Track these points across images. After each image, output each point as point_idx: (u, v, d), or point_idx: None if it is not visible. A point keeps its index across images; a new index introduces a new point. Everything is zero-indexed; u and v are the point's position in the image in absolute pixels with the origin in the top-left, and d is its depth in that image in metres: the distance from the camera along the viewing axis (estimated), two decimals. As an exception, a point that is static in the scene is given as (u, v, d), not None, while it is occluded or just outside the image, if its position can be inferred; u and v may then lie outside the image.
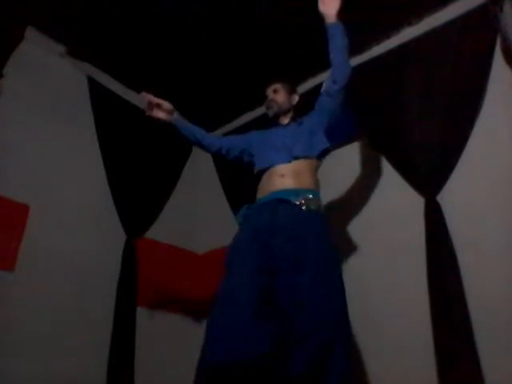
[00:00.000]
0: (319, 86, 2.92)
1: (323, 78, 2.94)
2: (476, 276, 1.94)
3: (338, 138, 2.70)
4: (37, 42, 2.60)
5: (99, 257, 2.57)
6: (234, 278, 1.65)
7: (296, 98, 2.12)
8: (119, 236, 2.72)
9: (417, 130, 2.32)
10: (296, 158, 1.84)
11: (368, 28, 2.58)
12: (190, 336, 2.91)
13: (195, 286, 2.97)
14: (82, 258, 2.47)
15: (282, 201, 1.75)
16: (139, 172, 2.93)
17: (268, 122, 2.13)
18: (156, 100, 2.11)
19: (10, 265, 2.16)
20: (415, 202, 2.21)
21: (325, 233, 1.73)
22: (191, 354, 2.91)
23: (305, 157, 1.86)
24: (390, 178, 2.39)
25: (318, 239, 1.68)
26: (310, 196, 1.75)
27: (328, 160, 2.71)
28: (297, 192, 1.75)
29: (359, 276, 2.33)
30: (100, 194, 2.71)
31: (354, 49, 2.75)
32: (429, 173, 2.22)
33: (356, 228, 2.43)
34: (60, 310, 2.30)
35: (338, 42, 1.98)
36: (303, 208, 1.72)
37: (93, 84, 2.87)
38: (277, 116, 2.06)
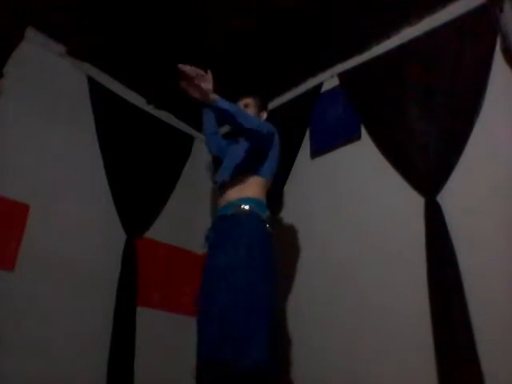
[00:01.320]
0: (313, 89, 2.95)
1: (319, 80, 2.96)
2: (476, 276, 1.94)
3: (338, 137, 2.71)
4: (37, 42, 2.60)
5: (99, 257, 2.57)
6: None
7: (264, 116, 2.24)
8: (119, 236, 2.72)
9: (417, 130, 2.31)
10: (235, 175, 2.02)
11: (368, 28, 2.58)
12: (190, 336, 2.91)
13: (195, 285, 2.98)
14: (81, 257, 2.48)
15: (221, 217, 1.97)
16: (139, 172, 2.94)
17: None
18: (195, 72, 1.75)
19: (10, 265, 2.17)
20: (415, 202, 2.21)
21: (244, 233, 1.85)
22: (191, 354, 2.92)
23: (241, 173, 2.02)
24: (390, 178, 2.38)
25: (238, 240, 1.83)
26: (242, 205, 1.91)
27: (328, 160, 2.73)
28: (233, 204, 1.93)
29: (359, 276, 2.33)
30: (100, 193, 2.71)
31: (355, 49, 2.77)
32: (429, 173, 2.22)
33: (356, 228, 2.43)
34: (60, 310, 2.30)
35: (232, 120, 1.82)
36: (236, 215, 1.90)
37: (93, 84, 2.87)
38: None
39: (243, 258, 1.78)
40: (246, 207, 1.90)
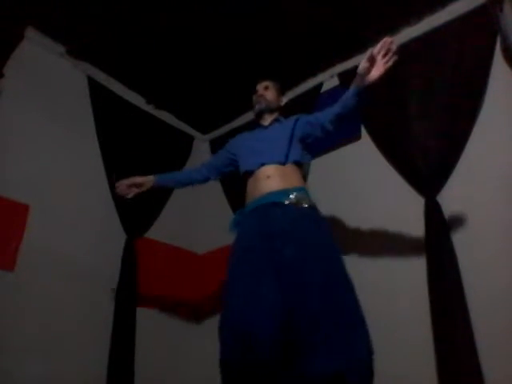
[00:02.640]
0: (313, 89, 2.94)
1: (319, 80, 2.96)
2: (476, 276, 1.94)
3: (338, 137, 2.71)
4: (37, 42, 2.60)
5: (99, 257, 2.57)
6: (239, 295, 1.61)
7: (284, 100, 2.13)
8: (119, 236, 2.72)
9: (417, 130, 2.32)
10: (271, 163, 1.84)
11: (368, 28, 2.58)
12: (190, 336, 2.91)
13: (195, 285, 2.98)
14: (82, 258, 2.47)
15: (273, 204, 1.74)
16: (139, 172, 2.91)
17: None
18: (128, 182, 2.05)
19: (10, 265, 2.16)
20: (415, 202, 2.21)
21: (322, 227, 1.73)
22: (191, 354, 2.92)
23: (281, 162, 1.84)
24: (390, 178, 2.39)
25: (317, 236, 1.67)
26: (299, 194, 1.74)
27: (328, 160, 2.72)
28: (285, 192, 1.75)
29: (359, 276, 2.33)
30: (100, 193, 2.71)
31: (355, 49, 2.76)
32: (429, 173, 2.22)
33: (356, 228, 2.43)
34: (60, 310, 2.30)
35: (359, 104, 1.76)
36: (296, 206, 1.71)
37: (93, 84, 2.87)
38: (261, 113, 2.06)
39: (335, 251, 1.66)
40: (306, 197, 1.76)
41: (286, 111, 2.84)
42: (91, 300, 2.45)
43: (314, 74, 2.99)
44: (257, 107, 2.07)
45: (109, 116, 2.89)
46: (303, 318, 1.49)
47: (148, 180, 2.07)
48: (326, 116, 1.84)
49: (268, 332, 1.47)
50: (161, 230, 2.97)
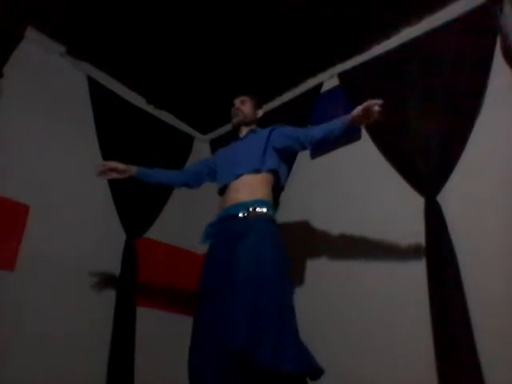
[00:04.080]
0: (313, 89, 2.95)
1: (319, 80, 2.96)
2: (476, 276, 1.94)
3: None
4: (37, 42, 2.60)
5: (99, 257, 2.57)
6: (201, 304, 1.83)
7: (260, 114, 2.24)
8: (119, 236, 2.72)
9: (417, 130, 2.31)
10: (243, 174, 1.94)
11: (368, 28, 2.59)
12: (190, 336, 2.91)
13: (195, 286, 2.98)
14: (82, 257, 2.48)
15: (230, 216, 1.87)
16: (139, 172, 2.93)
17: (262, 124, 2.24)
18: (109, 165, 2.10)
19: (10, 265, 2.17)
20: (415, 202, 2.21)
21: (267, 238, 1.79)
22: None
23: (255, 171, 1.94)
24: (390, 178, 2.38)
25: (256, 244, 1.74)
26: (257, 207, 1.85)
27: (328, 160, 2.72)
28: (246, 205, 1.85)
29: (359, 276, 2.33)
30: (100, 193, 2.71)
31: (355, 49, 2.77)
32: (429, 173, 2.22)
33: (356, 228, 2.43)
34: (60, 310, 2.30)
35: (343, 136, 1.88)
36: (249, 218, 1.83)
37: (93, 84, 2.87)
38: (239, 125, 2.19)
39: (269, 258, 1.72)
40: (263, 210, 1.85)
41: (284, 113, 2.86)
42: (91, 300, 2.45)
43: (313, 74, 2.98)
44: (234, 120, 2.20)
45: (109, 116, 2.89)
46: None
47: (130, 169, 2.13)
48: (307, 135, 1.94)
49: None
50: (161, 230, 2.97)
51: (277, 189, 2.06)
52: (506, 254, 1.91)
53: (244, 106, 2.19)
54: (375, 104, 1.73)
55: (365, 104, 1.72)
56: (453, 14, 2.37)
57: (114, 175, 2.10)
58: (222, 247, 1.83)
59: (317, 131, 1.91)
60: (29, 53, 2.53)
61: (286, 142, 2.01)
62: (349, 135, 1.88)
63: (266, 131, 2.09)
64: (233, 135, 2.31)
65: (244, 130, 2.19)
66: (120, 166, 2.09)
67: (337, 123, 1.83)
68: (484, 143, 2.12)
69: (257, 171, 1.94)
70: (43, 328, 2.21)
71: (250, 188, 1.90)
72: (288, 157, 2.12)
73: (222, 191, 2.04)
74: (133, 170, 2.14)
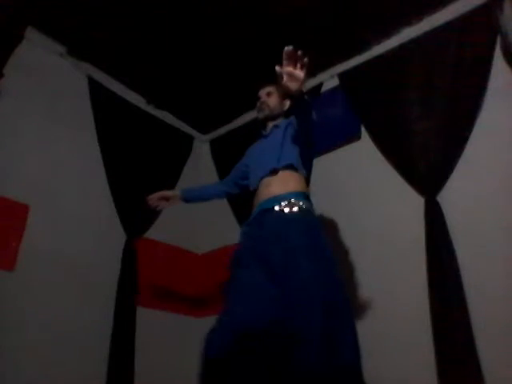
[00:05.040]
0: (313, 89, 2.94)
1: (319, 80, 2.96)
2: (476, 276, 1.94)
3: (338, 137, 2.71)
4: (37, 42, 2.60)
5: (99, 257, 2.57)
6: (237, 302, 1.63)
7: (287, 104, 2.05)
8: (119, 236, 2.72)
9: (417, 130, 2.32)
10: (269, 171, 1.85)
11: (368, 28, 2.59)
12: (190, 336, 2.91)
13: (195, 286, 2.98)
14: (81, 257, 2.47)
15: (266, 210, 1.77)
16: (139, 172, 2.94)
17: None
18: (158, 196, 2.23)
19: (10, 265, 2.16)
20: (415, 202, 2.21)
21: (312, 230, 1.72)
22: (191, 354, 2.91)
23: (274, 170, 1.85)
24: (390, 178, 2.38)
25: (304, 237, 1.65)
26: (293, 200, 1.74)
27: (328, 160, 2.72)
28: (280, 198, 1.76)
29: (359, 276, 2.33)
30: (100, 193, 2.71)
31: (355, 49, 2.77)
32: (429, 173, 2.22)
33: (356, 228, 2.43)
34: (60, 310, 2.30)
35: (309, 117, 1.77)
36: (285, 212, 1.72)
37: (93, 84, 2.87)
38: (265, 120, 2.05)
39: (328, 253, 1.67)
40: (300, 202, 1.75)
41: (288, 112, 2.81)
42: (91, 300, 2.45)
43: (313, 74, 2.98)
44: (260, 115, 2.06)
45: (109, 116, 2.89)
46: (296, 318, 1.48)
47: (175, 194, 2.26)
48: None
49: (264, 326, 1.47)
50: (161, 230, 2.97)
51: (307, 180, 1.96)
52: (506, 254, 1.92)
53: (270, 99, 2.02)
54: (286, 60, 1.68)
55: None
56: (453, 13, 2.38)
57: (165, 203, 2.26)
58: (255, 242, 1.72)
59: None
60: (29, 53, 2.52)
61: (295, 133, 1.91)
62: (304, 107, 1.75)
63: (284, 124, 1.97)
64: (235, 134, 2.24)
65: (269, 125, 2.04)
66: (167, 193, 2.26)
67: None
68: (484, 143, 2.12)
69: (276, 169, 1.85)
70: (43, 328, 2.21)
71: (281, 182, 1.81)
72: (306, 146, 1.93)
73: (254, 194, 1.93)
74: (177, 195, 2.26)
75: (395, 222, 2.29)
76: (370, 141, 2.54)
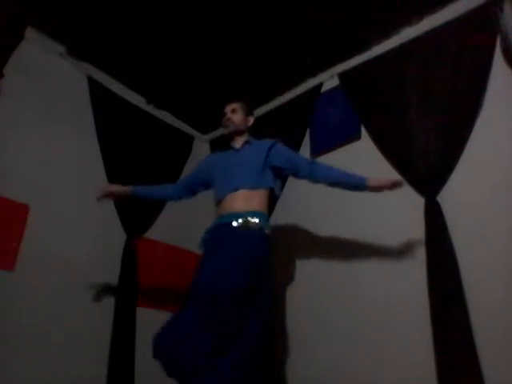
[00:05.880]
0: (313, 89, 2.95)
1: (319, 80, 2.96)
2: (476, 276, 1.94)
3: (338, 137, 2.71)
4: (37, 42, 2.60)
5: (99, 257, 2.57)
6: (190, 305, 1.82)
7: (251, 121, 2.20)
8: (119, 236, 2.72)
9: (417, 130, 2.32)
10: (242, 188, 1.95)
11: (368, 28, 2.59)
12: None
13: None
14: (82, 257, 2.47)
15: (225, 224, 1.90)
16: (139, 172, 2.94)
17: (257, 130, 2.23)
18: (108, 191, 2.22)
19: (10, 265, 2.17)
20: (415, 202, 2.21)
21: (254, 247, 1.83)
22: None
23: (252, 187, 1.96)
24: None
25: (244, 254, 1.79)
26: (250, 218, 1.87)
27: (328, 160, 2.72)
28: (240, 215, 1.88)
29: (359, 276, 2.33)
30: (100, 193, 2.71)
31: (355, 49, 2.77)
32: (429, 173, 2.22)
33: (356, 228, 2.43)
34: (60, 310, 2.30)
35: (348, 186, 2.02)
36: (240, 229, 1.85)
37: (93, 84, 2.87)
38: (231, 135, 2.17)
39: (246, 266, 1.77)
40: (256, 221, 1.88)
41: (284, 113, 2.85)
42: (91, 300, 2.45)
43: (313, 74, 2.99)
44: (225, 130, 2.18)
45: (109, 116, 2.89)
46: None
47: (125, 191, 2.22)
48: (310, 169, 2.01)
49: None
50: (161, 230, 2.97)
51: (272, 199, 2.10)
52: (506, 254, 1.91)
53: (235, 116, 2.14)
54: (397, 185, 1.89)
55: (387, 183, 1.88)
56: (453, 13, 2.37)
57: (112, 198, 2.31)
58: (212, 253, 1.87)
59: (323, 172, 2.01)
60: (29, 53, 2.53)
61: (283, 164, 2.05)
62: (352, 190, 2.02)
63: (264, 146, 2.07)
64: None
65: (238, 140, 2.15)
66: (116, 189, 2.23)
67: (356, 179, 1.94)
68: (484, 143, 2.12)
69: (254, 188, 1.97)
70: (43, 328, 2.21)
71: (246, 199, 1.93)
72: (281, 174, 2.13)
73: (219, 201, 2.05)
74: (128, 191, 2.22)
75: (395, 222, 2.29)
76: (370, 141, 2.54)
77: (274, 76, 2.99)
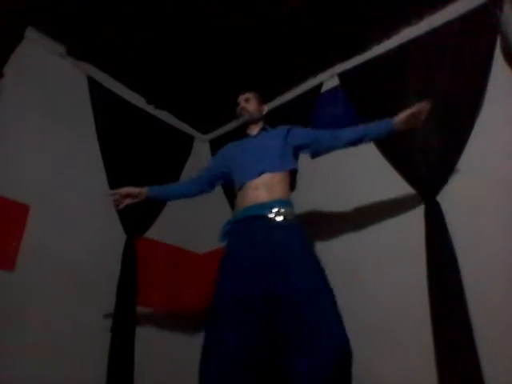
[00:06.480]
0: (313, 89, 2.95)
1: (319, 80, 2.96)
2: (476, 276, 1.94)
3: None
4: (37, 42, 2.60)
5: (99, 257, 2.57)
6: (222, 313, 1.68)
7: (265, 109, 2.21)
8: (119, 236, 2.72)
9: (417, 130, 2.31)
10: (265, 172, 1.90)
11: (368, 28, 2.59)
12: (190, 336, 2.91)
13: (195, 285, 2.98)
14: (82, 257, 2.47)
15: (256, 217, 1.80)
16: (139, 172, 2.93)
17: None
18: (124, 192, 2.07)
19: (10, 265, 2.16)
20: (415, 202, 2.21)
21: (305, 242, 1.79)
22: (191, 354, 2.91)
23: (275, 171, 1.92)
24: (390, 178, 2.38)
25: (301, 251, 1.73)
26: (282, 208, 1.80)
27: (328, 160, 2.72)
28: (270, 205, 1.81)
29: (359, 276, 2.33)
30: (100, 193, 2.71)
31: (354, 49, 2.77)
32: (429, 173, 2.22)
33: (356, 228, 2.43)
34: (60, 310, 2.30)
35: (385, 138, 1.97)
36: (278, 220, 1.78)
37: (93, 84, 2.87)
38: (246, 124, 2.16)
39: (318, 266, 1.74)
40: (288, 210, 1.81)
41: (284, 113, 2.86)
42: (91, 300, 2.45)
43: (314, 74, 2.99)
44: (241, 119, 2.18)
45: (109, 116, 2.89)
46: (285, 328, 1.57)
47: (142, 191, 2.11)
48: (337, 135, 1.98)
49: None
50: (161, 230, 2.97)
51: (291, 188, 2.04)
52: (506, 254, 1.92)
53: (249, 104, 2.15)
54: (424, 108, 1.78)
55: (414, 109, 1.79)
56: (453, 14, 2.38)
57: (130, 201, 2.09)
58: (249, 250, 1.74)
59: (348, 133, 1.98)
60: (29, 53, 2.52)
61: (305, 140, 2.03)
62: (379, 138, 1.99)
63: (283, 131, 2.06)
64: (236, 134, 2.28)
65: (254, 128, 2.14)
66: (134, 190, 2.08)
67: (382, 126, 1.89)
68: (484, 143, 2.12)
69: (277, 171, 1.91)
70: (43, 328, 2.21)
71: (269, 187, 1.86)
72: (298, 155, 2.09)
73: (241, 189, 1.96)
74: (144, 191, 2.11)
75: (395, 223, 2.29)
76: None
77: (274, 76, 2.99)
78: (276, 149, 1.98)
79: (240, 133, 2.31)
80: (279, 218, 1.77)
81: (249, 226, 1.80)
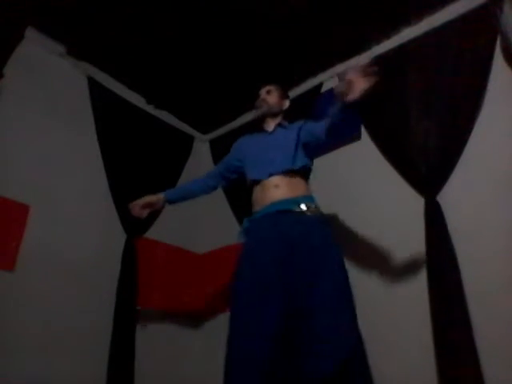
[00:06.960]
0: (313, 89, 2.95)
1: (319, 80, 2.96)
2: (476, 276, 1.94)
3: (339, 137, 2.71)
4: (37, 42, 2.60)
5: (99, 257, 2.57)
6: (250, 305, 1.62)
7: (287, 104, 2.10)
8: (119, 236, 2.72)
9: (417, 130, 2.32)
10: (281, 171, 1.86)
11: (368, 28, 2.59)
12: (190, 336, 2.91)
13: (195, 285, 2.98)
14: (82, 257, 2.47)
15: (283, 211, 1.76)
16: (139, 172, 2.94)
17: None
18: (142, 203, 2.08)
19: (10, 265, 2.16)
20: (415, 202, 2.21)
21: (331, 238, 1.77)
22: (191, 354, 2.92)
23: (289, 170, 1.86)
24: (390, 178, 2.39)
25: (331, 249, 1.72)
26: (310, 203, 1.79)
27: (328, 160, 2.72)
28: (294, 201, 1.78)
29: (359, 276, 2.33)
30: (100, 193, 2.71)
31: (355, 49, 2.77)
32: (429, 173, 2.22)
33: (356, 228, 2.43)
34: (60, 310, 2.30)
35: (347, 116, 1.74)
36: (308, 214, 1.76)
37: (93, 84, 2.87)
38: (263, 117, 2.07)
39: (342, 262, 1.74)
40: (315, 206, 1.80)
41: (287, 112, 2.83)
42: (91, 300, 2.45)
43: (314, 74, 2.99)
44: (258, 111, 2.08)
45: (109, 116, 2.89)
46: (304, 332, 1.54)
47: (159, 198, 2.10)
48: (321, 128, 1.84)
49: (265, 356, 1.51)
50: (161, 230, 2.97)
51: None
52: (506, 253, 1.92)
53: (270, 97, 2.06)
54: (357, 72, 1.58)
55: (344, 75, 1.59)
56: (453, 13, 2.38)
57: (149, 210, 2.10)
58: (279, 243, 1.70)
59: (326, 121, 1.82)
60: (29, 53, 2.52)
61: (308, 138, 1.93)
62: (352, 114, 1.74)
63: (296, 127, 1.98)
64: (236, 134, 2.22)
65: (271, 123, 2.05)
66: (151, 199, 2.08)
67: (335, 107, 1.71)
68: (484, 143, 2.12)
69: (291, 170, 1.87)
70: (43, 328, 2.21)
71: (290, 185, 1.83)
72: (311, 152, 2.00)
73: (253, 185, 1.94)
74: (161, 198, 2.10)
75: (395, 222, 2.29)
76: (370, 141, 2.54)
77: (274, 76, 2.98)
78: (289, 147, 1.91)
79: (240, 133, 2.31)
80: (308, 213, 1.76)
81: (275, 219, 1.76)
